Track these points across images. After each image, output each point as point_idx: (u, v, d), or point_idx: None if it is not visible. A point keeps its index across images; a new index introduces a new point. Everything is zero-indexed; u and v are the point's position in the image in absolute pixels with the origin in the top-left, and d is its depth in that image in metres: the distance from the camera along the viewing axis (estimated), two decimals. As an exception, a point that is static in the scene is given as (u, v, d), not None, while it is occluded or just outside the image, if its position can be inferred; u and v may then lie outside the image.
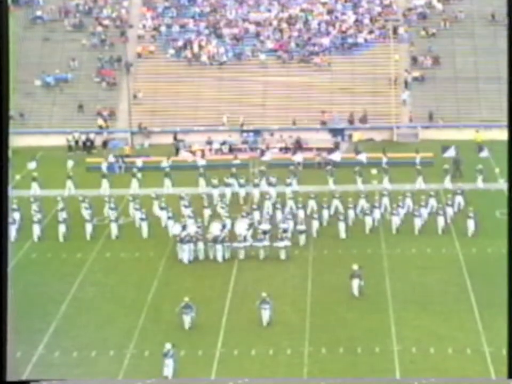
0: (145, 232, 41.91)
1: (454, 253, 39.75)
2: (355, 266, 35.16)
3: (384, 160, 51.73)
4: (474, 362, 30.24)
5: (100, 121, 60.56)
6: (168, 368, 29.70)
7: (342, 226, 41.36)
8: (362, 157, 52.60)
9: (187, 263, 38.51)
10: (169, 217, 42.61)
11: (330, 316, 33.74)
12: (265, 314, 32.24)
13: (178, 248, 38.86)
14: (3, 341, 22.67)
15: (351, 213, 42.99)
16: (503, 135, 53.71)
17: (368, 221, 42.30)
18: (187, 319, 32.09)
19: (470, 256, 39.08)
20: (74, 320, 33.93)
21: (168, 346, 29.78)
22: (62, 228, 42.22)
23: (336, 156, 52.98)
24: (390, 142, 58.61)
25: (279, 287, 36.50)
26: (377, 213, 42.76)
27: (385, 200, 43.87)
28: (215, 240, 38.65)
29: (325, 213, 43.20)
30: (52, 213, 44.57)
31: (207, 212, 43.85)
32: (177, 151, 56.90)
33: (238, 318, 33.68)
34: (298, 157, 53.26)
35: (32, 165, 52.36)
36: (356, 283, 34.91)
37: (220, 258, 38.64)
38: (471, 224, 41.29)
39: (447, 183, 48.11)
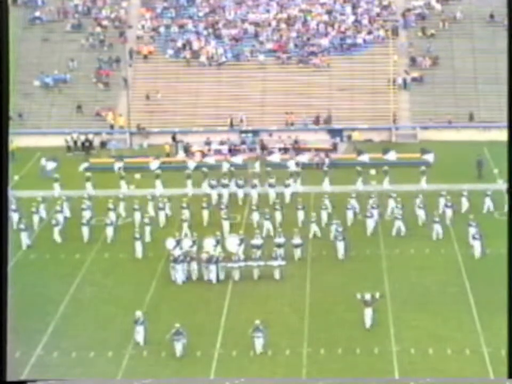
0: (139, 252, 40.03)
1: (453, 254, 39.78)
2: (367, 296, 32.65)
3: (326, 161, 52.04)
4: (473, 362, 30.29)
5: (110, 121, 60.65)
6: (139, 335, 31.60)
7: (341, 245, 39.37)
8: (365, 158, 52.20)
9: (180, 284, 37.12)
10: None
11: (329, 317, 33.74)
12: (258, 343, 30.85)
13: (171, 269, 37.40)
14: (3, 341, 22.47)
15: (349, 214, 43.13)
16: (501, 135, 54.22)
17: (370, 223, 42.13)
18: (178, 346, 30.77)
19: (468, 256, 39.08)
20: (73, 321, 33.96)
21: (138, 314, 31.58)
22: (58, 229, 42.19)
23: (392, 155, 52.36)
24: (389, 143, 58.67)
25: (278, 287, 36.56)
26: (375, 214, 42.80)
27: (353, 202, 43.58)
28: (209, 260, 37.13)
29: (324, 214, 43.18)
30: (50, 213, 44.56)
31: (205, 213, 43.90)
32: (176, 151, 56.89)
33: (236, 319, 33.70)
34: (303, 158, 52.97)
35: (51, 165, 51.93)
36: (369, 313, 32.51)
37: (213, 279, 36.98)
38: (477, 245, 39.36)
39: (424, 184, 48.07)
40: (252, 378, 27.92)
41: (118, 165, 51.79)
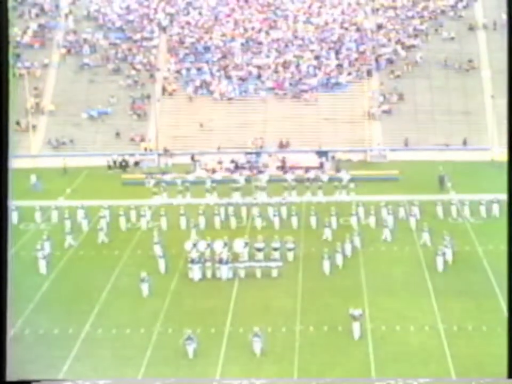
0: (162, 268, 37.83)
1: (415, 250, 39.88)
2: (356, 312, 30.77)
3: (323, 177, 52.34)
4: (431, 337, 30.32)
5: (144, 145, 60.98)
6: (145, 290, 33.82)
7: (326, 263, 36.92)
8: (344, 174, 52.52)
9: (197, 281, 36.41)
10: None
11: (317, 301, 33.89)
12: (257, 346, 29.57)
13: (189, 269, 36.76)
14: (3, 341, 20.40)
15: (333, 220, 43.04)
16: (453, 156, 55.62)
17: (386, 232, 41.09)
18: (190, 349, 29.40)
19: (427, 252, 39.12)
20: (113, 304, 34.11)
21: (143, 274, 33.15)
22: (102, 231, 42.36)
23: (343, 174, 52.44)
24: (364, 162, 58.91)
25: (276, 280, 36.65)
26: (354, 220, 42.92)
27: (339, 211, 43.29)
28: (221, 261, 36.55)
29: (313, 220, 43.16)
30: (94, 219, 44.72)
31: (217, 219, 43.96)
32: (194, 169, 57.22)
33: (244, 302, 33.96)
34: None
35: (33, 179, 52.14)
36: (357, 327, 30.54)
37: (224, 277, 36.22)
38: (440, 261, 37.04)
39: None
40: (257, 378, 27.46)
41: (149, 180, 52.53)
